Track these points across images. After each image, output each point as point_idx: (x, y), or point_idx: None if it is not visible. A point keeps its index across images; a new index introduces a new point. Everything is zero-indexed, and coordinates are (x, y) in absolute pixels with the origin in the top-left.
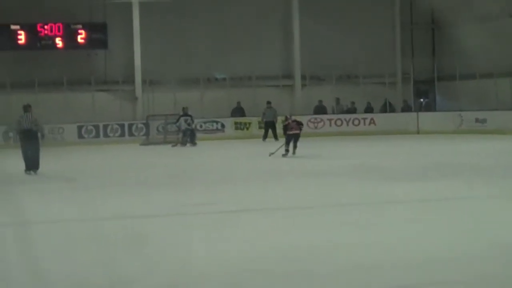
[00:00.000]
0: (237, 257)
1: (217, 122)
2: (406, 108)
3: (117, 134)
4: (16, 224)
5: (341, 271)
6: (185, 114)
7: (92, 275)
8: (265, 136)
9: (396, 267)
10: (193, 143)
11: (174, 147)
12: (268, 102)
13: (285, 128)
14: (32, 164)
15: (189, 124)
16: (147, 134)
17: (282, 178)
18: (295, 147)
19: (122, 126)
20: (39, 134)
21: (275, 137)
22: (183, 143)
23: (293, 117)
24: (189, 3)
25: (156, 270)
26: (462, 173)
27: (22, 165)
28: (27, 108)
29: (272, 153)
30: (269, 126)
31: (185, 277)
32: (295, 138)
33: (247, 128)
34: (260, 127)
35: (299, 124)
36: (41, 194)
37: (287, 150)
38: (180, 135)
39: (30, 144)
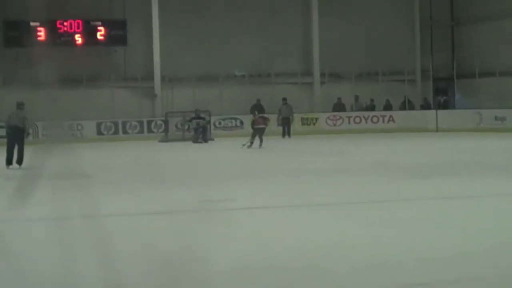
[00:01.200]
0: (256, 253)
1: (235, 119)
2: (426, 106)
3: (136, 131)
4: (45, 219)
5: (361, 268)
6: (198, 117)
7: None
8: (284, 133)
9: (419, 264)
10: (205, 140)
11: (196, 143)
12: (284, 99)
13: (253, 123)
14: (17, 159)
15: (197, 124)
16: (166, 131)
17: (301, 175)
18: (261, 140)
19: (141, 123)
20: (25, 131)
21: (288, 133)
22: (194, 140)
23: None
24: (208, 1)
25: (173, 265)
26: (481, 171)
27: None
28: (20, 105)
29: (244, 145)
30: (285, 123)
31: (205, 272)
32: (260, 132)
33: (266, 125)
34: (278, 124)
35: (265, 120)
36: (57, 190)
37: (251, 142)
38: (192, 132)
39: (16, 140)
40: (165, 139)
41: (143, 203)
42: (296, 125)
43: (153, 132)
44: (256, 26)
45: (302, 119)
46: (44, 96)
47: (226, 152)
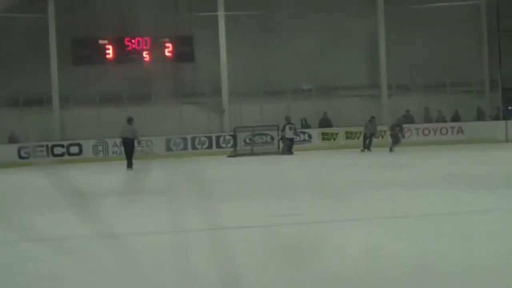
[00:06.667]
0: (323, 266)
1: (304, 133)
2: (495, 116)
3: (204, 146)
4: (117, 236)
5: (432, 281)
6: (289, 123)
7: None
8: (364, 146)
9: (488, 277)
10: (291, 152)
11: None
12: (372, 117)
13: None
14: (127, 164)
15: (295, 133)
16: (234, 145)
17: (370, 188)
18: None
19: (209, 138)
20: (135, 141)
21: (368, 147)
22: (284, 152)
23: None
24: (275, 15)
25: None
26: None
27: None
28: (129, 120)
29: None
30: (367, 137)
31: None
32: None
33: (334, 139)
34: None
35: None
36: (133, 206)
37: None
38: (282, 144)
39: (127, 148)
40: (234, 154)
41: (220, 218)
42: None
43: (221, 147)
44: (323, 39)
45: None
46: (114, 113)
47: (294, 165)
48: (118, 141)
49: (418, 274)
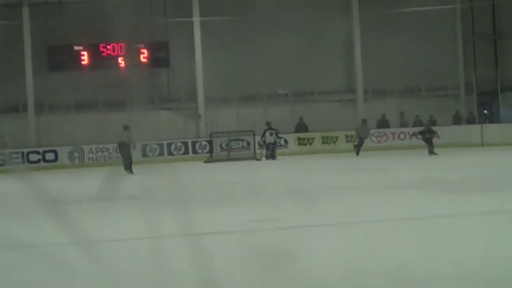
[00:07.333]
0: (301, 271)
1: (280, 138)
2: (471, 120)
3: (181, 152)
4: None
5: (411, 285)
6: (270, 128)
7: None
8: (357, 152)
9: (462, 282)
10: (274, 157)
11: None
12: (364, 120)
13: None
14: (127, 167)
15: (275, 138)
16: (210, 151)
17: (346, 193)
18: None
19: (185, 144)
20: (131, 146)
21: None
22: (267, 157)
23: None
24: (251, 21)
25: None
26: None
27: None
28: (126, 127)
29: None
30: (360, 143)
31: None
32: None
33: (310, 144)
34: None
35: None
36: (107, 212)
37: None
38: (264, 149)
39: (124, 153)
40: (210, 159)
41: (198, 223)
42: (340, 143)
43: (198, 152)
44: (299, 44)
45: (346, 136)
46: (90, 119)
47: (271, 171)
48: (94, 147)
49: (395, 281)
